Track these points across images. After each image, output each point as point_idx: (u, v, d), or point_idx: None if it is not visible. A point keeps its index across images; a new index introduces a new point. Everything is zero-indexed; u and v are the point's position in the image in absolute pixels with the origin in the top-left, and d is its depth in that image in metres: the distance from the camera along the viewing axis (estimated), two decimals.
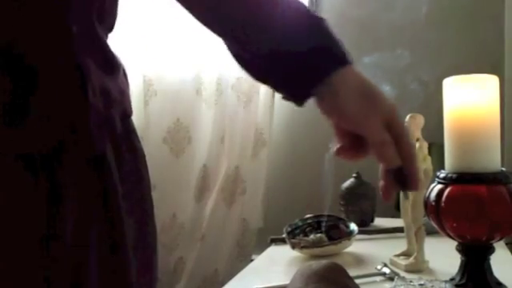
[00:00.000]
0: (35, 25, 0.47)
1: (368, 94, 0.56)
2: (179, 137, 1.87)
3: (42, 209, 0.47)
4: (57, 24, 0.48)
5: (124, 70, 0.61)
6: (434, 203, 0.85)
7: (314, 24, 0.59)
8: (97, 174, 0.52)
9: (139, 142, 0.63)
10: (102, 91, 0.53)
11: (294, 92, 0.60)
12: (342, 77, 0.56)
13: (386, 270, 0.99)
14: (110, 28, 0.59)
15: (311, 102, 0.60)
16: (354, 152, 0.59)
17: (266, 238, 1.32)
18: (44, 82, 0.47)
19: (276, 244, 1.28)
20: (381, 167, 0.58)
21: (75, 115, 0.50)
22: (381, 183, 0.58)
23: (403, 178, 0.57)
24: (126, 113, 0.60)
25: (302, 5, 0.60)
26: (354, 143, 0.58)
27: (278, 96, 2.38)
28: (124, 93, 0.60)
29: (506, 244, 1.19)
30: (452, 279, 0.88)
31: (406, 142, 0.56)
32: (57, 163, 0.48)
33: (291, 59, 0.57)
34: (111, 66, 0.57)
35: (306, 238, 1.19)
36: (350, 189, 1.45)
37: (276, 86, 0.62)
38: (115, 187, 0.54)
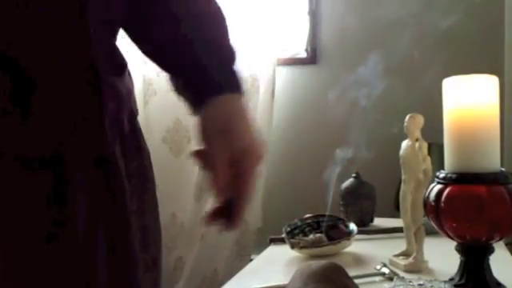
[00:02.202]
0: (52, 26, 0.47)
1: (227, 129, 0.58)
2: (179, 136, 1.87)
3: (44, 209, 0.47)
4: (76, 25, 0.48)
5: (129, 70, 0.61)
6: (433, 203, 0.85)
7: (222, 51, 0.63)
8: (105, 173, 0.52)
9: (145, 141, 0.64)
10: (114, 92, 0.53)
11: (192, 108, 0.64)
12: (215, 104, 0.59)
13: (386, 270, 0.99)
14: (117, 30, 0.59)
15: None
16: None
17: (266, 238, 1.32)
18: (51, 82, 0.47)
19: (275, 244, 1.28)
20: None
21: (89, 114, 0.50)
22: (212, 207, 0.60)
23: (228, 213, 0.59)
24: (133, 113, 0.61)
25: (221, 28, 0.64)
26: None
27: (277, 97, 2.39)
28: (131, 93, 0.61)
29: (506, 244, 1.19)
30: (451, 279, 0.87)
31: (243, 182, 0.58)
32: (65, 163, 0.48)
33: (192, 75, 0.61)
34: (119, 66, 0.57)
35: (305, 238, 1.19)
36: (349, 189, 1.45)
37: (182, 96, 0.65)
38: (123, 186, 0.54)
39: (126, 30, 0.64)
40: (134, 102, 0.63)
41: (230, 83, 0.61)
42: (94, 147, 0.51)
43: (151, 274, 0.62)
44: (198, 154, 0.59)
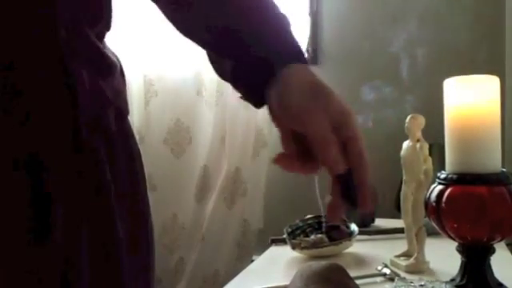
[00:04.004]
0: (21, 29, 0.46)
1: (316, 91, 0.51)
2: (180, 137, 1.87)
3: (28, 210, 0.47)
4: (44, 28, 0.47)
5: (121, 70, 0.60)
6: (434, 204, 0.85)
7: (277, 19, 0.58)
8: (87, 173, 0.51)
9: (135, 142, 0.62)
10: (94, 92, 0.52)
11: (249, 89, 0.58)
12: (291, 72, 0.53)
13: (387, 271, 0.99)
14: (104, 30, 0.58)
15: None
16: (295, 162, 0.53)
17: (267, 239, 1.32)
18: (30, 84, 0.47)
19: (276, 245, 1.28)
20: (329, 180, 0.53)
21: (64, 115, 0.49)
22: (327, 199, 0.53)
23: (351, 191, 0.51)
24: (122, 113, 0.60)
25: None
26: (301, 154, 0.54)
27: None
28: (120, 93, 0.59)
29: (507, 245, 1.19)
30: (452, 280, 0.87)
31: (357, 147, 0.51)
32: (45, 163, 0.48)
33: (247, 53, 0.56)
34: (105, 66, 0.56)
35: (306, 239, 1.19)
36: None
37: (234, 80, 0.60)
38: (108, 187, 0.53)
39: (175, 16, 0.61)
40: (124, 101, 0.62)
41: (297, 52, 0.56)
42: (74, 147, 0.50)
43: (141, 278, 0.61)
44: (283, 159, 0.52)
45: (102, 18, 0.56)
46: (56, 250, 0.48)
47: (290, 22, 0.58)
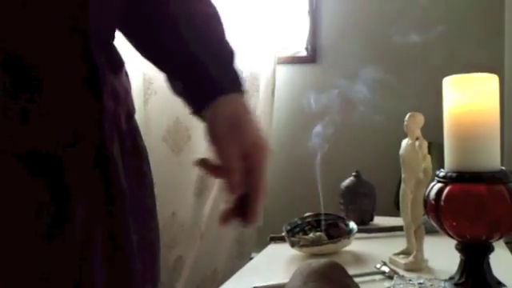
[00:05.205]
0: (52, 24, 0.47)
1: (236, 125, 0.60)
2: (179, 135, 1.87)
3: (42, 208, 0.47)
4: (74, 24, 0.48)
5: (126, 70, 0.61)
6: (433, 202, 0.85)
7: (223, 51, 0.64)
8: (104, 172, 0.52)
9: (142, 140, 0.63)
10: (112, 90, 0.53)
11: (193, 108, 0.65)
12: (221, 102, 0.60)
13: (386, 269, 0.99)
14: (115, 28, 0.59)
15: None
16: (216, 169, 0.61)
17: (266, 237, 1.32)
18: (53, 81, 0.47)
19: (275, 242, 1.28)
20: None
21: (89, 114, 0.50)
22: (224, 207, 0.62)
23: (244, 209, 0.61)
24: (130, 112, 0.61)
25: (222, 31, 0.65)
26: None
27: (277, 96, 2.39)
28: (128, 92, 0.61)
29: (506, 243, 1.19)
30: (451, 278, 0.88)
31: (257, 175, 0.61)
32: (64, 162, 0.48)
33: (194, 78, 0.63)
34: (117, 65, 0.57)
35: (305, 237, 1.19)
36: (349, 187, 1.45)
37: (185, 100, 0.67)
38: (121, 186, 0.54)
39: (124, 32, 0.64)
40: (131, 101, 0.63)
41: (233, 83, 0.63)
42: (92, 147, 0.51)
43: (148, 275, 0.62)
44: (204, 163, 0.60)
45: (118, 16, 0.57)
46: (73, 246, 0.48)
47: (235, 55, 0.64)
